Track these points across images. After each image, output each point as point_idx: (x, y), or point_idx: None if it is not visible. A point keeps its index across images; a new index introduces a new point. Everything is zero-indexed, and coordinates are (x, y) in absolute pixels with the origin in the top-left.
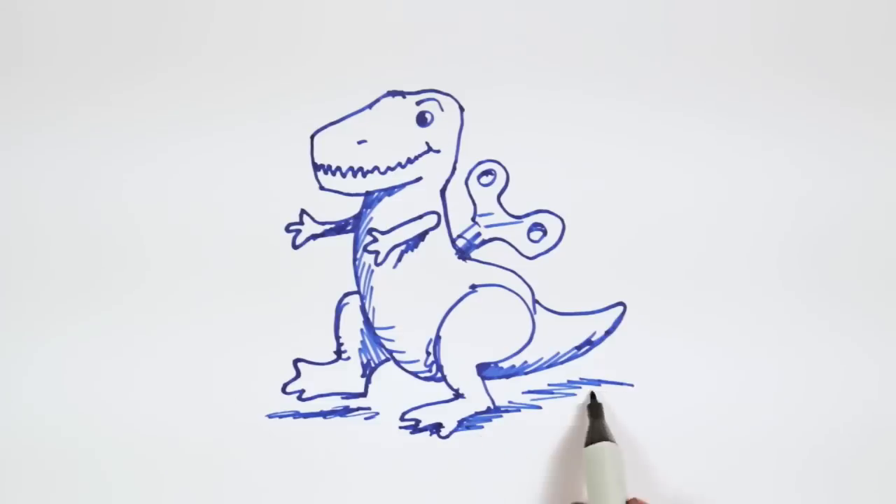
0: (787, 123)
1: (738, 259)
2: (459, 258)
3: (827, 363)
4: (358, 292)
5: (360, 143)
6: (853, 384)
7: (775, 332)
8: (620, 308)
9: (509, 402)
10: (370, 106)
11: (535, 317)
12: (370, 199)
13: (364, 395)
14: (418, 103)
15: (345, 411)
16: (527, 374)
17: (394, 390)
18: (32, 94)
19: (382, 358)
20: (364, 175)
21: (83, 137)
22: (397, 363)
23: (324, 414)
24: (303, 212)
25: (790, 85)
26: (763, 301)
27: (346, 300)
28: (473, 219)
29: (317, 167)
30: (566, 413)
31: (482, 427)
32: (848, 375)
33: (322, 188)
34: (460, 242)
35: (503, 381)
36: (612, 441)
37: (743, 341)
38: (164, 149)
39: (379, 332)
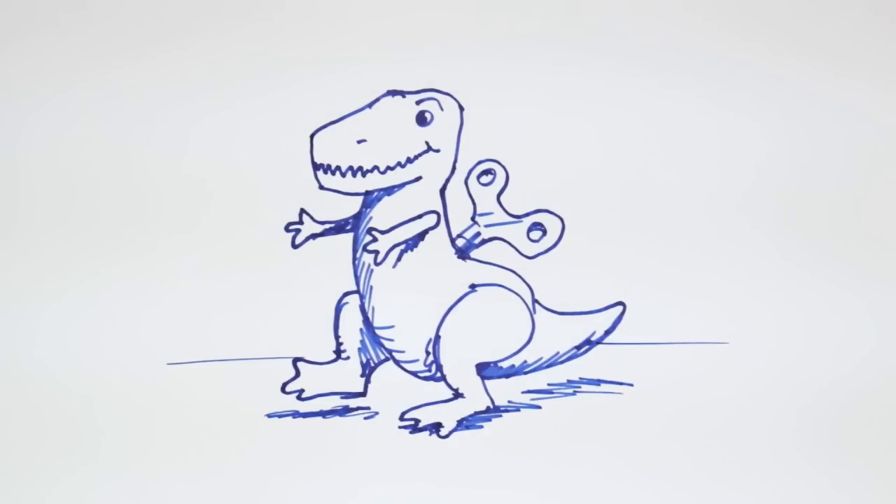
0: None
1: (739, 258)
2: (459, 258)
3: (830, 362)
4: (357, 292)
5: (359, 142)
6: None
7: (777, 332)
8: (620, 308)
9: (509, 401)
10: (370, 105)
11: (535, 316)
12: (370, 199)
13: (363, 394)
14: (418, 103)
15: (344, 411)
16: (526, 373)
17: (393, 390)
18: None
19: (382, 357)
20: (364, 174)
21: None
22: (397, 363)
23: (323, 413)
24: (302, 211)
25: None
26: (765, 300)
27: (345, 300)
28: (473, 218)
29: (316, 166)
30: (566, 413)
31: (482, 427)
32: (849, 375)
33: (322, 187)
34: (460, 242)
35: (503, 380)
36: None
37: (743, 340)
38: (162, 148)
39: (378, 332)
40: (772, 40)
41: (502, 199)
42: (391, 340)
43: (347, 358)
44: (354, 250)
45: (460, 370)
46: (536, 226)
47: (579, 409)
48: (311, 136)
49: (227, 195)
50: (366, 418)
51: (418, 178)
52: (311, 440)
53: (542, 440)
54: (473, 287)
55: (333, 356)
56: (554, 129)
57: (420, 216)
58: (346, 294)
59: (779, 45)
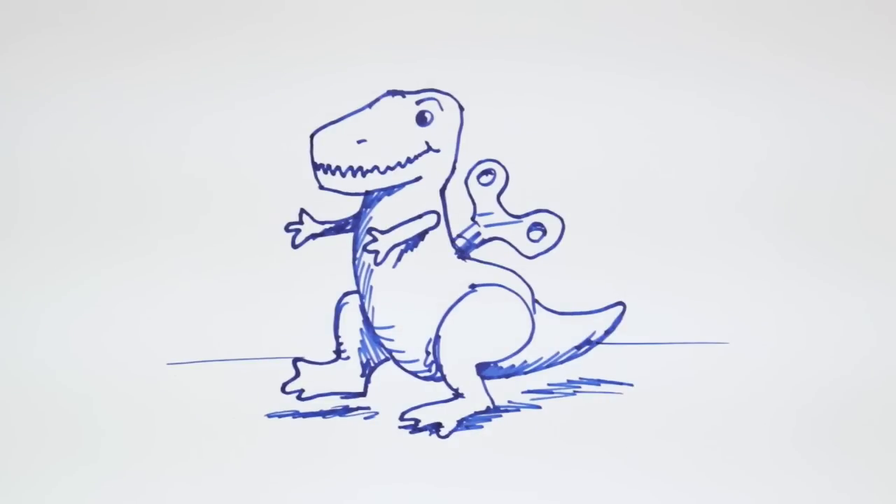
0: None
1: (739, 258)
2: (459, 258)
3: (830, 362)
4: (357, 292)
5: (359, 142)
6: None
7: (777, 332)
8: (620, 308)
9: (509, 401)
10: (370, 105)
11: (535, 316)
12: (370, 199)
13: (363, 394)
14: (418, 103)
15: (344, 411)
16: (526, 373)
17: (393, 390)
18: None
19: (382, 357)
20: (364, 174)
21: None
22: (397, 363)
23: (323, 413)
24: (302, 211)
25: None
26: (765, 300)
27: (345, 300)
28: (473, 218)
29: (316, 166)
30: (566, 413)
31: (482, 427)
32: (847, 377)
33: (322, 187)
34: (460, 242)
35: (503, 380)
36: None
37: (743, 340)
38: (162, 148)
39: (378, 332)
40: (772, 40)
41: (502, 199)
42: (391, 340)
43: (347, 358)
44: (354, 250)
45: (460, 370)
46: (536, 226)
47: (579, 409)
48: (311, 136)
49: (227, 195)
50: (366, 418)
51: (418, 178)
52: (311, 440)
53: (542, 440)
54: (473, 287)
55: (333, 356)
56: (554, 129)
57: (420, 216)
58: (346, 294)
59: (779, 45)
